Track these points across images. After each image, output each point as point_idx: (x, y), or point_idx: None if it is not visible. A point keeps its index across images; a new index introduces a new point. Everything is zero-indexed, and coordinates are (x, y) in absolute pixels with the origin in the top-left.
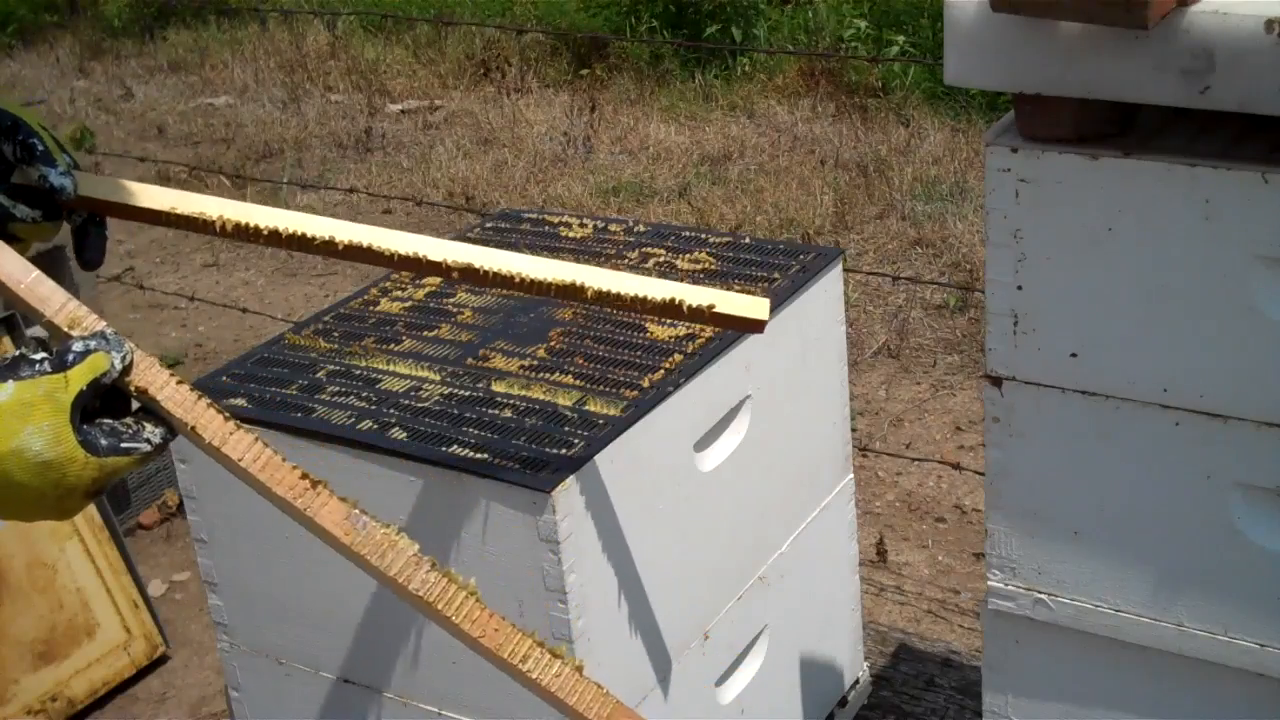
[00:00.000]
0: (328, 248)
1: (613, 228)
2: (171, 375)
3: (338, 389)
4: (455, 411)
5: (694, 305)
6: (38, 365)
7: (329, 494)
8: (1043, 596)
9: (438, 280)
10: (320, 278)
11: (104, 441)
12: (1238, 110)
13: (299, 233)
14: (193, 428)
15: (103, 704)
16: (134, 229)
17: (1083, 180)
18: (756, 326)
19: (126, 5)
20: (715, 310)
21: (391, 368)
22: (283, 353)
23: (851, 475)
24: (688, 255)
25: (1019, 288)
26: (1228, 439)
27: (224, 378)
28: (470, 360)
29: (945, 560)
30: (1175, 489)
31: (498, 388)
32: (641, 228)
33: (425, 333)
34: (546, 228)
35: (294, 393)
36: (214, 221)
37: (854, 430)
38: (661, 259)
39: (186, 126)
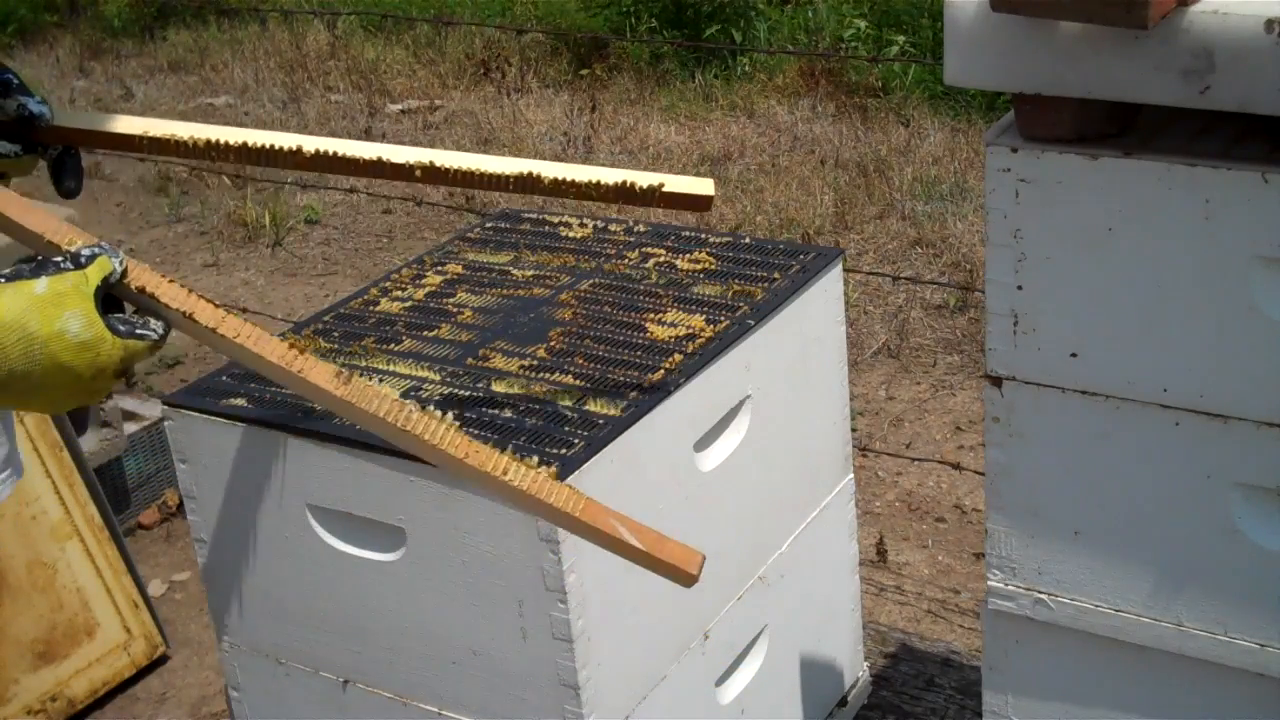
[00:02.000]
0: (295, 158)
1: (613, 228)
2: (164, 276)
3: None
4: (455, 411)
5: (644, 186)
6: (60, 264)
7: (315, 358)
8: (1043, 596)
9: (438, 280)
10: (320, 278)
11: (121, 328)
12: (1238, 110)
13: (266, 145)
14: (190, 314)
15: (103, 704)
16: (134, 229)
17: (1083, 180)
18: (703, 203)
19: (126, 5)
20: (664, 190)
21: (391, 368)
22: None
23: (851, 475)
24: (688, 255)
25: (1019, 288)
26: (1228, 439)
27: (224, 378)
28: (470, 360)
29: (945, 560)
30: (1175, 489)
31: (498, 388)
32: (641, 228)
33: (425, 333)
34: (546, 227)
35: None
36: (185, 141)
37: (854, 430)
38: (661, 259)
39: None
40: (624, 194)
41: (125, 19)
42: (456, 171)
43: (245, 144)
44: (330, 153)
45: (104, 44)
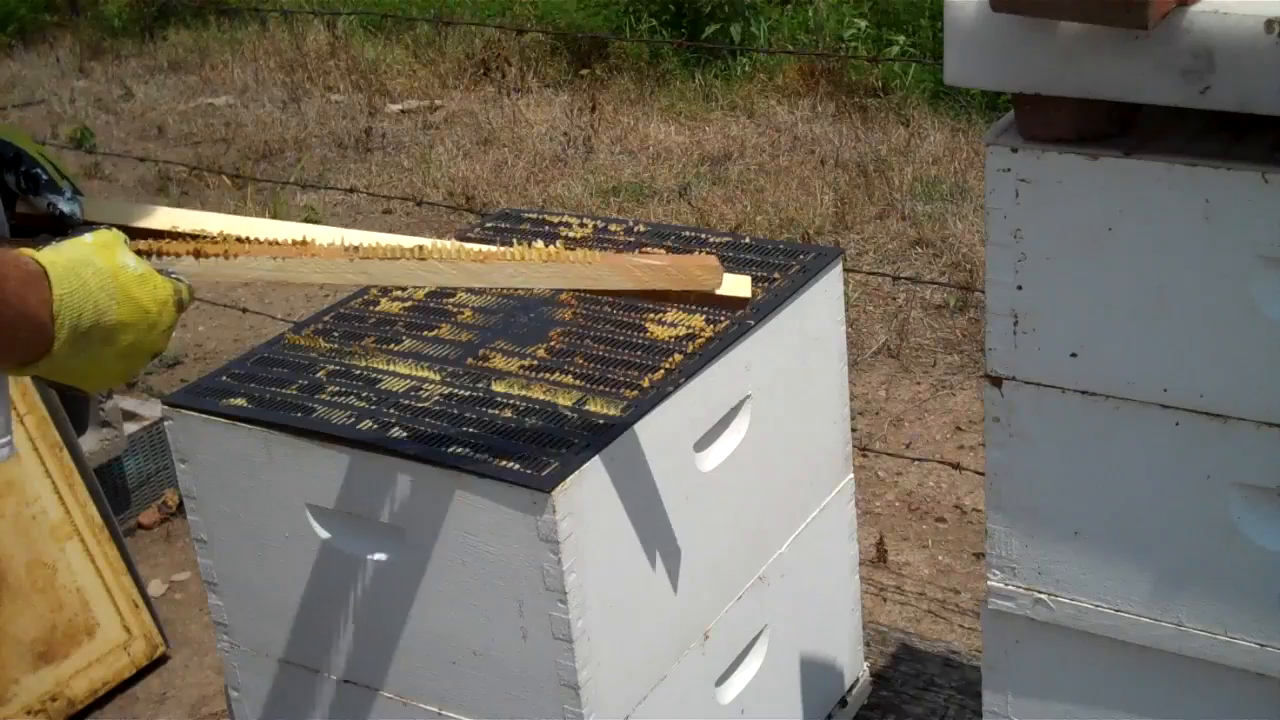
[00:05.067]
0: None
1: (613, 228)
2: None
3: (338, 389)
4: (455, 411)
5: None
6: (95, 227)
7: (318, 244)
8: (1043, 596)
9: None
10: None
11: (159, 269)
12: (1238, 110)
13: (303, 239)
14: (198, 251)
15: (103, 704)
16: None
17: (1083, 180)
18: (739, 304)
19: (126, 5)
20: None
21: (391, 368)
22: (283, 353)
23: (851, 475)
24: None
25: (1019, 288)
26: (1228, 439)
27: (224, 378)
28: (470, 360)
29: (945, 560)
30: (1175, 489)
31: (498, 388)
32: (641, 228)
33: (425, 333)
34: (546, 228)
35: (294, 393)
36: (215, 236)
37: (854, 430)
38: None
39: (186, 126)
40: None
41: (125, 19)
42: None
43: (276, 241)
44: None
45: (104, 44)
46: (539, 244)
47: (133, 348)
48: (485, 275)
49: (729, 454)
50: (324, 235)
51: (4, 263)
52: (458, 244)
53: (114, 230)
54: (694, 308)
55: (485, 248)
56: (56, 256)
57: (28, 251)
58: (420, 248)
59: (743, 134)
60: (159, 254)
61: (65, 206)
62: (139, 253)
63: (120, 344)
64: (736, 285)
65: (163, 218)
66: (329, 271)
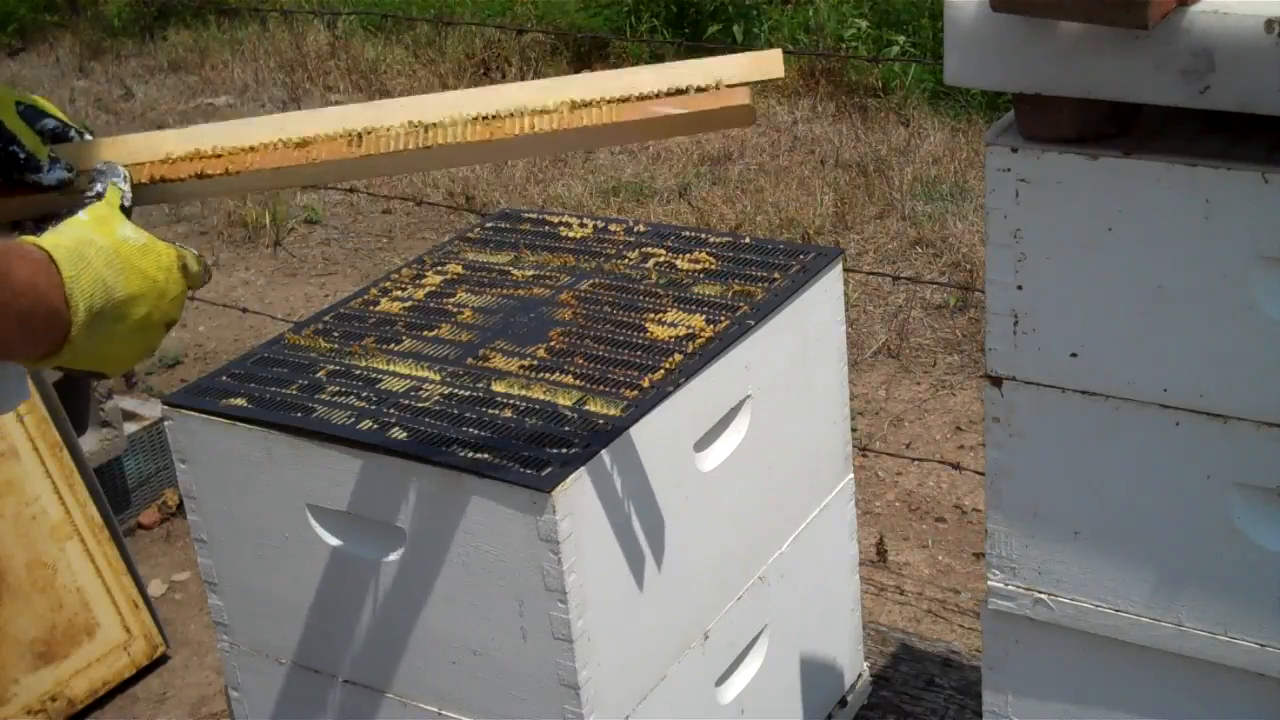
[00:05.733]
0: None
1: (613, 228)
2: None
3: (338, 389)
4: (455, 411)
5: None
6: (84, 201)
7: (322, 142)
8: (1043, 596)
9: (438, 280)
10: (320, 278)
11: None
12: (1238, 110)
13: (304, 139)
14: (200, 174)
15: (103, 704)
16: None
17: (1083, 180)
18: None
19: (126, 5)
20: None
21: (391, 368)
22: (283, 353)
23: (851, 475)
24: (688, 255)
25: (1019, 288)
26: (1228, 439)
27: (224, 378)
28: (470, 360)
29: (945, 560)
30: (1175, 489)
31: (498, 388)
32: (641, 228)
33: (425, 333)
34: (546, 227)
35: (294, 393)
36: (213, 152)
37: (854, 430)
38: (661, 259)
39: (186, 126)
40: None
41: (125, 19)
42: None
43: (277, 142)
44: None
45: (104, 44)
46: (552, 95)
47: (147, 320)
48: (493, 154)
49: (729, 454)
50: (326, 121)
51: (9, 253)
52: (463, 118)
53: (107, 203)
54: (694, 308)
55: (492, 122)
56: (59, 239)
57: (29, 239)
58: (425, 130)
59: (743, 134)
60: (163, 180)
61: (47, 180)
62: (140, 185)
63: (134, 318)
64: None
65: (156, 145)
66: (335, 173)
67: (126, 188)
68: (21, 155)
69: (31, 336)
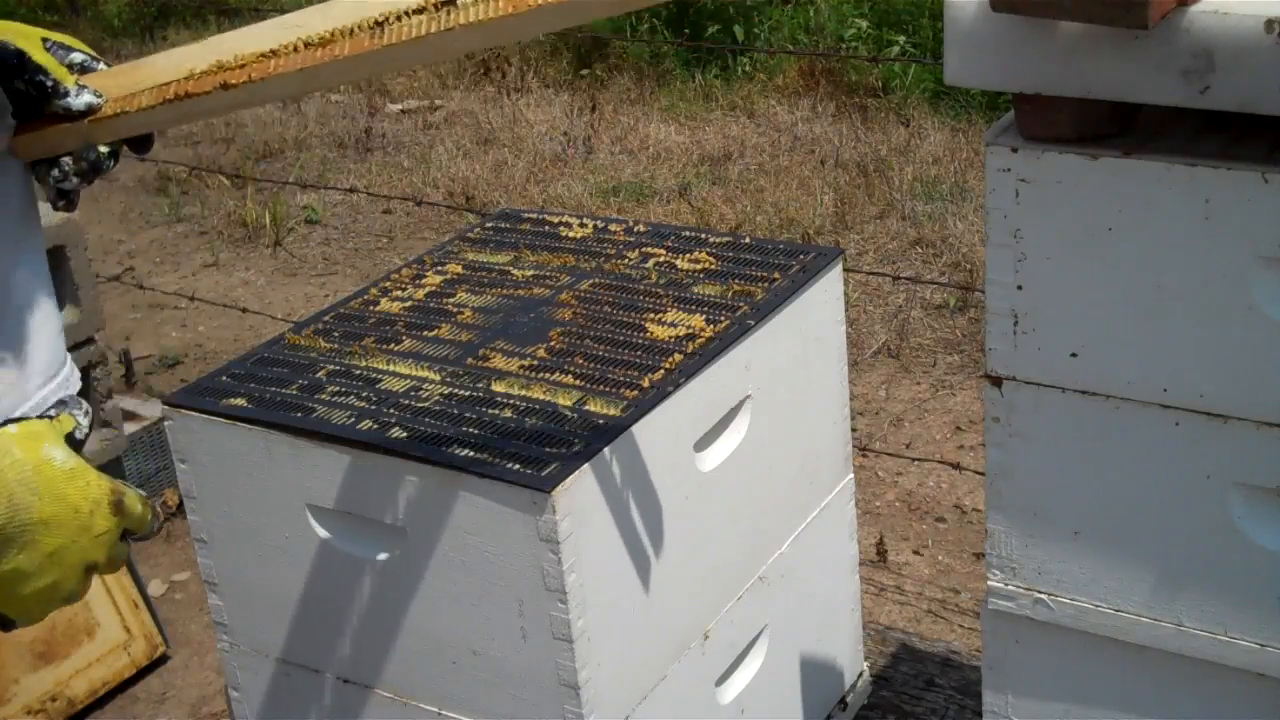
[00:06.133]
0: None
1: (613, 228)
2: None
3: (338, 389)
4: (455, 411)
5: None
6: (23, 419)
7: (345, 39)
8: (1043, 596)
9: (438, 280)
10: (320, 278)
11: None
12: (1238, 110)
13: (330, 33)
14: (185, 93)
15: (103, 704)
16: (134, 229)
17: (1083, 180)
18: None
19: (126, 5)
20: None
21: (391, 368)
22: (283, 353)
23: (851, 475)
24: (688, 255)
25: (1019, 288)
26: (1228, 439)
27: (224, 378)
28: (470, 360)
29: (945, 560)
30: (1175, 489)
31: (498, 388)
32: (641, 228)
33: (425, 333)
34: (546, 227)
35: (294, 393)
36: (235, 62)
37: (854, 430)
38: (661, 259)
39: (186, 126)
40: None
41: (125, 19)
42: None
43: (301, 44)
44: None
45: (104, 44)
46: None
47: (60, 553)
48: (520, 27)
49: (729, 454)
50: (344, 13)
51: None
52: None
53: (50, 423)
54: (694, 308)
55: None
56: None
57: None
58: (448, 12)
59: (743, 134)
60: (188, 95)
61: (76, 105)
62: (167, 103)
63: (44, 548)
64: None
65: (179, 63)
66: (358, 67)
67: (85, 421)
68: (49, 83)
69: None
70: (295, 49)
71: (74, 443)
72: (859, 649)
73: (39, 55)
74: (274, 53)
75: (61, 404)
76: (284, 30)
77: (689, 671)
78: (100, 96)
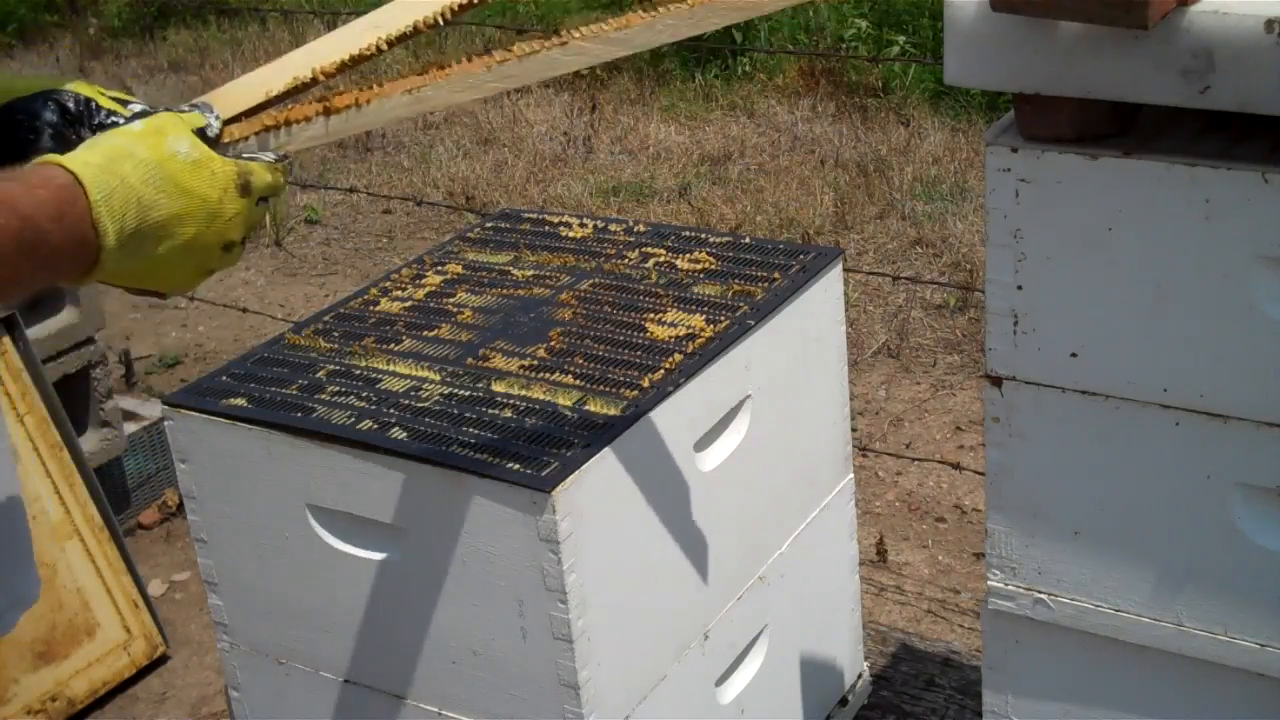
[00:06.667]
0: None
1: (613, 228)
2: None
3: (338, 389)
4: (455, 411)
5: None
6: (152, 110)
7: (376, 87)
8: (1043, 596)
9: (438, 280)
10: (320, 278)
11: (228, 153)
12: (1238, 110)
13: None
14: (300, 118)
15: (103, 704)
16: None
17: (1083, 180)
18: None
19: (126, 5)
20: None
21: (391, 368)
22: (283, 353)
23: (851, 475)
24: (688, 255)
25: (1019, 288)
26: (1228, 439)
27: (224, 378)
28: (470, 360)
29: (945, 560)
30: (1175, 489)
31: (498, 388)
32: (641, 228)
33: (425, 333)
34: (546, 227)
35: (294, 393)
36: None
37: (854, 430)
38: (661, 259)
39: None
40: None
41: (125, 19)
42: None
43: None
44: (347, 57)
45: (104, 44)
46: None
47: (196, 240)
48: (632, 40)
49: (729, 454)
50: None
51: (28, 182)
52: (595, 24)
53: (177, 116)
54: (694, 308)
55: (620, 18)
56: (90, 155)
57: (54, 158)
58: (560, 31)
59: (743, 134)
60: (287, 124)
61: (137, 107)
62: (259, 139)
63: (180, 238)
64: None
65: (255, 86)
66: (469, 88)
67: (215, 121)
68: (121, 121)
69: (58, 268)
70: (407, 77)
71: (205, 139)
72: (859, 649)
73: (105, 101)
74: (376, 84)
75: (192, 105)
76: (352, 36)
77: (689, 671)
78: (154, 109)
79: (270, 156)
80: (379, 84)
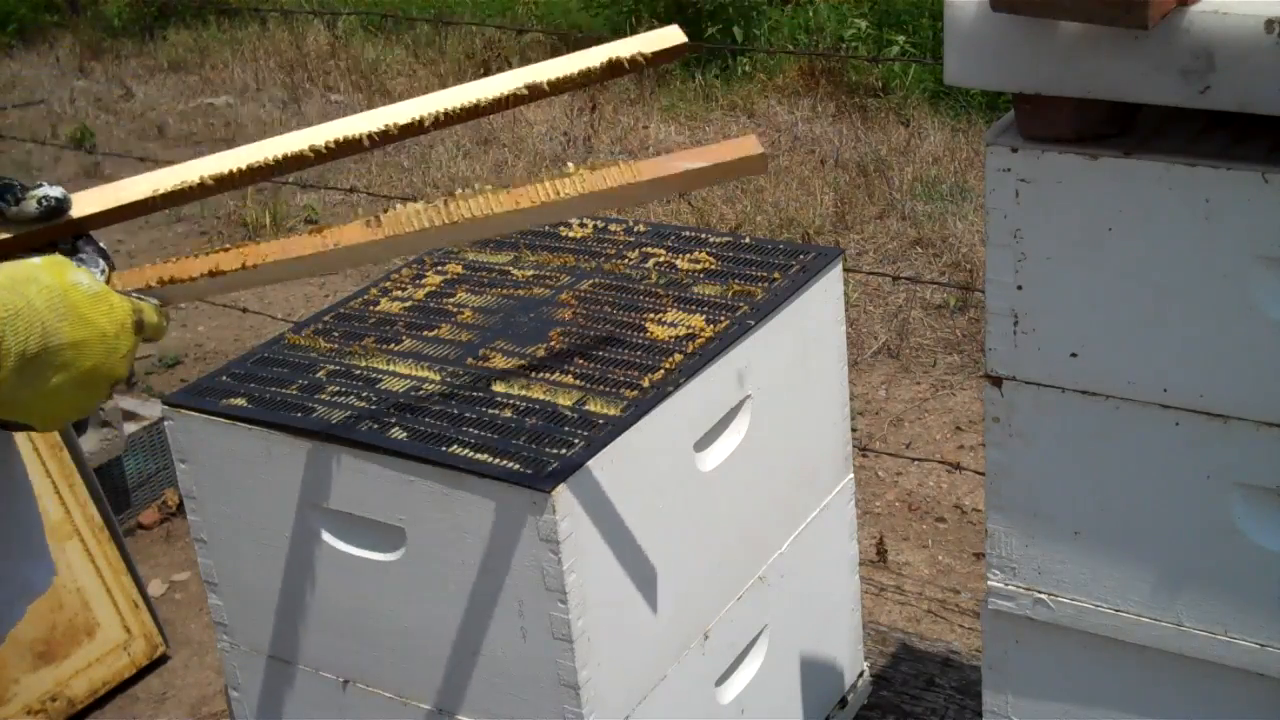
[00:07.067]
0: (306, 160)
1: (613, 228)
2: (162, 262)
3: (338, 389)
4: (455, 411)
5: (629, 56)
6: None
7: (339, 227)
8: (1043, 596)
9: (438, 280)
10: (320, 278)
11: (120, 292)
12: (1238, 110)
13: (276, 157)
14: (215, 270)
15: (103, 704)
16: (133, 228)
17: (1083, 180)
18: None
19: (126, 5)
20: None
21: (391, 368)
22: (283, 353)
23: (851, 475)
24: (688, 255)
25: (1019, 288)
26: (1228, 439)
27: (224, 378)
28: (470, 360)
29: (945, 560)
30: (1175, 489)
31: (498, 388)
32: (641, 228)
33: (425, 333)
34: (546, 227)
35: (294, 393)
36: (197, 186)
37: (854, 430)
38: (661, 259)
39: (186, 126)
40: (614, 69)
41: (125, 19)
42: (463, 110)
43: (255, 165)
44: (341, 139)
45: (104, 44)
46: (569, 167)
47: (90, 374)
48: (519, 223)
49: (729, 454)
50: (296, 143)
51: None
52: (486, 192)
53: (63, 257)
54: (693, 308)
55: (515, 190)
56: None
57: None
58: (446, 203)
59: (743, 134)
60: (173, 280)
61: (53, 192)
62: (143, 291)
63: (75, 369)
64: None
65: (139, 187)
66: (354, 258)
67: (100, 274)
68: (15, 182)
69: None
70: (289, 243)
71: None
72: (859, 649)
73: None
74: (261, 245)
75: (80, 261)
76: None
77: (689, 671)
78: (64, 199)
79: (154, 300)
80: (264, 245)
